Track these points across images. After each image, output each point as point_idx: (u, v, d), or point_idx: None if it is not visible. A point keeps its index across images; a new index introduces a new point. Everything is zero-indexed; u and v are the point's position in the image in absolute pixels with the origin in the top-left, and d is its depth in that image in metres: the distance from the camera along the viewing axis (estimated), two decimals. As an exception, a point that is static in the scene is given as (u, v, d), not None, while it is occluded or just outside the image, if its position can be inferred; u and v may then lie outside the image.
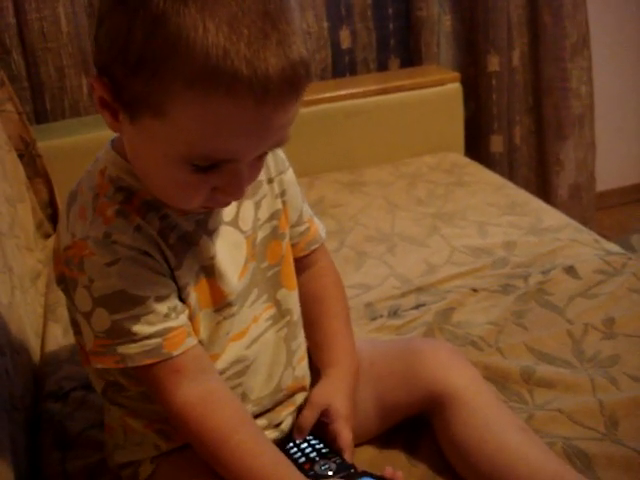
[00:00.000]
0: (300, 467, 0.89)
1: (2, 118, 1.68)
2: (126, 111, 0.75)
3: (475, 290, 1.35)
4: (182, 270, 0.85)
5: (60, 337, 1.36)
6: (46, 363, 1.29)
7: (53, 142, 1.81)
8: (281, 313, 0.97)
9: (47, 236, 1.78)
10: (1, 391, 1.04)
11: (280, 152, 0.99)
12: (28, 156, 1.75)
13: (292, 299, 0.99)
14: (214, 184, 0.77)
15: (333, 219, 1.68)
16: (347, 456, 0.92)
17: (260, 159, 0.79)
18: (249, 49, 0.67)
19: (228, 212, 0.90)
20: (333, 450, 0.93)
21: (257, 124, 0.72)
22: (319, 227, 1.05)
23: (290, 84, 0.71)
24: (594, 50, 2.32)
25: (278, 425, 0.97)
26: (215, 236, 0.88)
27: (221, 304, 0.89)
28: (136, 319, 0.81)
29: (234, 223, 0.91)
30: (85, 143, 1.78)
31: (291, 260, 0.99)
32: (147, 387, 0.86)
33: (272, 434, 0.96)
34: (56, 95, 1.92)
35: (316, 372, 1.02)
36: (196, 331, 0.87)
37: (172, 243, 0.84)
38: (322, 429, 0.96)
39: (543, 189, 2.39)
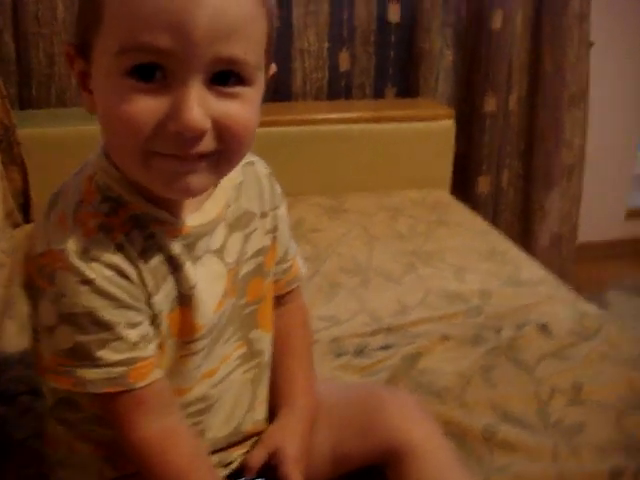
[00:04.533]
0: None
1: (-16, 100, 1.64)
2: (87, 60, 0.73)
3: (445, 337, 1.32)
4: (159, 296, 0.80)
5: (15, 335, 1.31)
6: (-3, 362, 1.25)
7: (34, 130, 1.77)
8: (252, 354, 0.93)
9: (16, 225, 1.73)
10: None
11: (277, 186, 0.95)
12: (6, 142, 1.70)
13: (265, 341, 0.95)
14: (162, 109, 0.69)
15: (310, 244, 1.65)
16: None
17: (226, 94, 0.71)
18: None
19: (215, 241, 0.85)
20: None
21: None
22: (300, 265, 1.02)
23: None
24: (591, 100, 2.31)
25: (228, 464, 0.93)
26: (199, 264, 0.83)
27: (191, 336, 0.84)
28: (103, 343, 0.75)
29: (219, 253, 0.86)
30: (67, 135, 1.75)
31: (271, 301, 0.95)
32: (105, 415, 0.81)
33: (221, 472, 0.92)
34: (43, 82, 1.87)
35: (273, 412, 0.99)
36: (161, 360, 0.82)
37: (153, 266, 0.79)
38: (272, 469, 0.92)
39: (524, 235, 2.38)
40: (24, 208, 1.77)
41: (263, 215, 0.92)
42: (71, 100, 1.89)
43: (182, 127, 0.69)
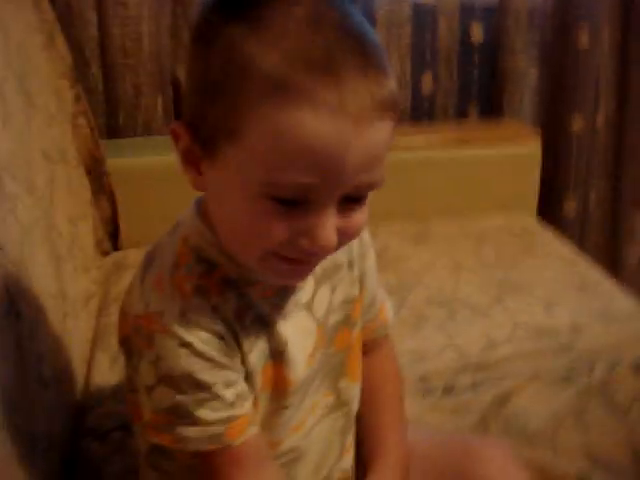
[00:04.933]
0: None
1: (75, 132, 1.67)
2: (206, 151, 0.72)
3: (536, 376, 1.29)
4: (253, 354, 0.81)
5: (107, 369, 1.33)
6: (89, 397, 1.27)
7: (122, 160, 1.80)
8: (340, 403, 0.93)
9: (105, 253, 1.77)
10: (41, 429, 1.02)
11: (365, 234, 0.94)
12: (96, 173, 1.73)
13: (353, 391, 0.94)
14: (297, 226, 0.71)
15: (395, 274, 1.63)
16: None
17: (353, 208, 0.73)
18: (326, 57, 0.65)
19: (304, 295, 0.85)
20: None
21: (338, 137, 0.66)
22: (388, 311, 1.01)
23: (372, 87, 0.66)
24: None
25: None
26: (289, 320, 0.84)
27: (282, 392, 0.84)
28: (201, 404, 0.76)
29: (308, 307, 0.86)
30: (154, 164, 1.77)
31: (359, 350, 0.95)
32: (202, 471, 0.82)
33: None
34: (130, 112, 1.90)
35: (362, 461, 0.98)
36: (255, 415, 0.83)
37: (247, 325, 0.80)
38: None
39: (613, 257, 2.32)
40: (113, 236, 1.81)
41: (350, 264, 0.92)
42: (157, 129, 1.92)
43: (317, 247, 0.72)
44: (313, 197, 0.69)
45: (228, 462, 0.79)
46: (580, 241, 2.17)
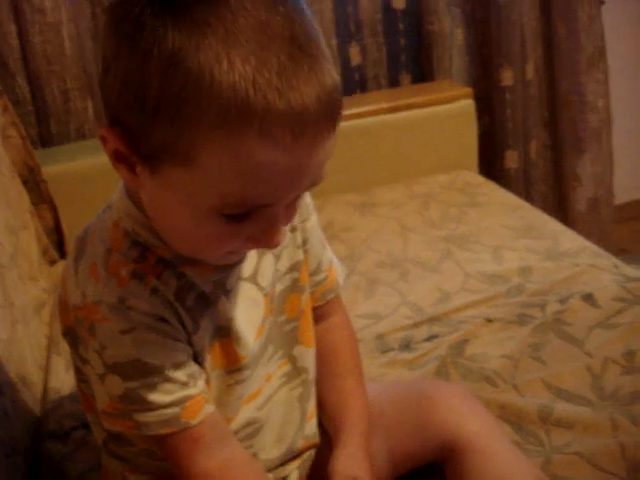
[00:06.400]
0: None
1: (6, 144, 1.65)
2: (145, 163, 0.68)
3: (489, 320, 1.30)
4: (199, 334, 0.80)
5: (63, 371, 1.32)
6: (48, 400, 1.26)
7: (58, 167, 1.78)
8: (296, 371, 0.92)
9: (52, 262, 1.75)
10: (0, 434, 1.01)
11: (307, 197, 0.92)
12: (32, 182, 1.71)
13: (309, 357, 0.93)
14: (248, 233, 0.71)
15: (343, 244, 1.63)
16: None
17: (295, 200, 0.73)
18: (281, 80, 0.61)
19: (247, 267, 0.84)
20: None
21: (295, 163, 0.65)
22: (338, 273, 0.99)
23: (326, 113, 0.64)
24: (610, 62, 2.26)
25: (284, 478, 0.93)
26: (233, 295, 0.83)
27: (234, 367, 0.84)
28: (152, 388, 0.75)
29: (253, 279, 0.85)
30: (90, 167, 1.76)
31: (310, 316, 0.94)
32: (163, 455, 0.81)
33: None
34: (61, 118, 1.88)
35: (323, 429, 0.97)
36: (209, 393, 0.82)
37: (189, 305, 0.79)
38: None
39: (560, 204, 2.34)
40: (59, 244, 1.79)
41: (293, 229, 0.90)
42: (90, 132, 1.91)
43: (266, 247, 0.76)
44: (264, 208, 0.69)
45: (186, 443, 0.78)
46: (526, 193, 2.18)
